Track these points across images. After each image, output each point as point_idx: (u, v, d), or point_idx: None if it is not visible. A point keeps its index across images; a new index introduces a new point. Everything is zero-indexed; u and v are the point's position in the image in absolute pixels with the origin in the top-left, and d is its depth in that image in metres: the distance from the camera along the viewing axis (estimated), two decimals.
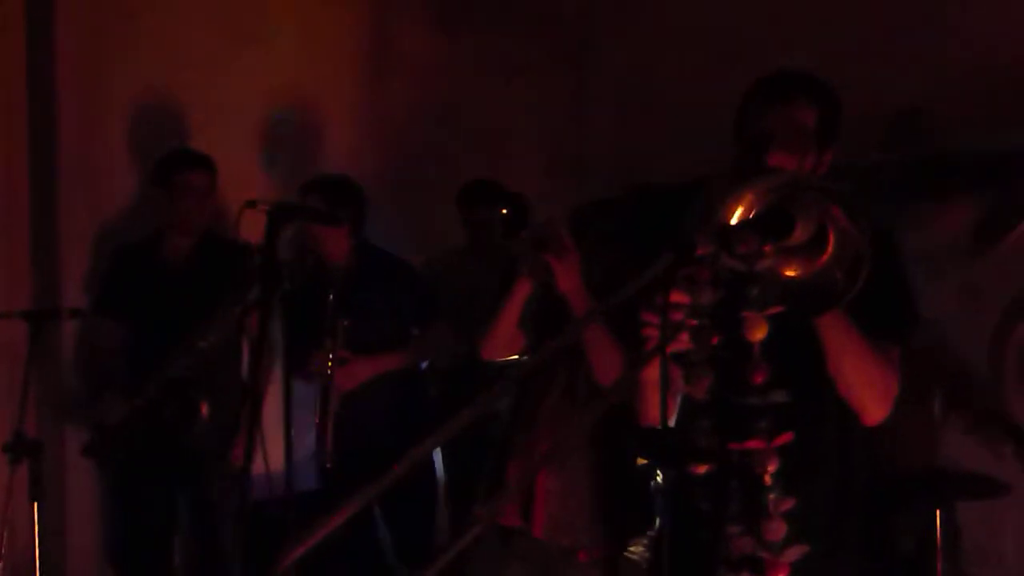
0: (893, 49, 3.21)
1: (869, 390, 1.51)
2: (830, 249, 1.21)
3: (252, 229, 2.18)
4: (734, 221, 1.20)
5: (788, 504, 1.23)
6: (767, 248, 1.18)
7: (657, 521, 2.01)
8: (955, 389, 2.86)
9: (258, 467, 2.18)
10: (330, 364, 2.77)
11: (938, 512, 2.59)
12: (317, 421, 2.82)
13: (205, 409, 2.75)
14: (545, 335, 2.20)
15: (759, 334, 1.19)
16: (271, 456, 2.18)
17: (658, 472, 1.73)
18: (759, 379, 1.17)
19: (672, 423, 1.77)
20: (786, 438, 1.22)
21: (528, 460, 2.12)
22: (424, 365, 3.17)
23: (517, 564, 2.21)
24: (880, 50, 3.23)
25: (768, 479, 1.23)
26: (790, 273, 1.23)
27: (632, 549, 2.91)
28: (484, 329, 2.31)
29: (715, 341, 1.20)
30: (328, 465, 2.82)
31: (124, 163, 3.15)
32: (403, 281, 2.98)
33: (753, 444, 1.22)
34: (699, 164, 1.70)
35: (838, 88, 1.74)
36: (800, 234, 1.23)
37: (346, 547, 2.68)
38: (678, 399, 1.68)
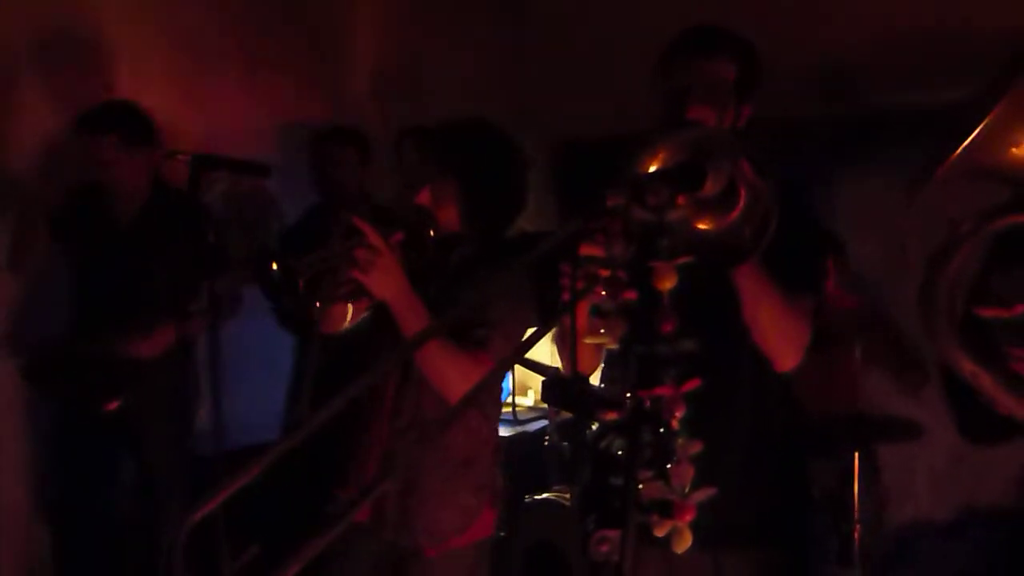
0: (825, 5, 3.24)
1: (782, 338, 1.57)
2: (740, 205, 1.23)
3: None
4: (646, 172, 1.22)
5: (696, 448, 1.27)
6: (680, 200, 1.20)
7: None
8: (878, 337, 2.97)
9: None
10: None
11: (857, 455, 2.70)
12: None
13: (119, 400, 2.65)
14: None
15: (668, 284, 1.21)
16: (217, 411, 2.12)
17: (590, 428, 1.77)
18: (668, 328, 1.19)
19: (600, 374, 1.81)
20: (694, 384, 1.25)
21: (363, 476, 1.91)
22: None
23: (368, 562, 1.97)
24: (812, 6, 3.26)
25: (676, 424, 1.27)
26: (702, 226, 1.25)
27: (564, 495, 2.99)
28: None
29: (631, 296, 1.21)
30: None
31: (36, 102, 2.89)
32: None
33: (662, 391, 1.25)
34: (635, 119, 1.71)
35: (765, 43, 1.77)
36: (712, 187, 1.25)
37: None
38: (603, 350, 1.71)
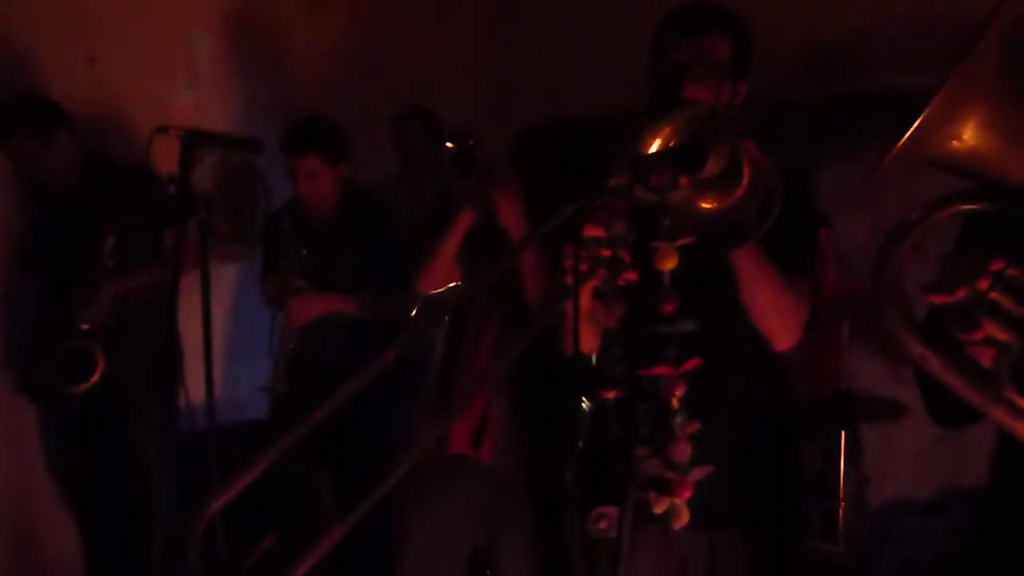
0: None
1: (780, 318, 1.56)
2: (744, 182, 1.22)
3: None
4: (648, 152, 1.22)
5: (694, 427, 1.28)
6: (683, 181, 1.20)
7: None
8: (862, 317, 2.99)
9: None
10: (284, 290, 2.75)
11: (843, 433, 2.74)
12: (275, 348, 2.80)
13: (101, 364, 2.60)
14: (479, 266, 2.24)
15: (669, 264, 1.21)
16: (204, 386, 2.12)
17: (584, 400, 1.78)
18: (668, 308, 1.19)
19: (595, 354, 1.82)
20: (694, 363, 1.25)
21: (472, 391, 2.17)
22: None
23: (467, 488, 2.26)
24: None
25: (675, 403, 1.27)
26: (706, 206, 1.25)
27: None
28: (423, 262, 2.32)
29: (632, 276, 1.21)
30: (280, 389, 2.77)
31: None
32: (383, 232, 2.94)
33: (661, 370, 1.26)
34: (625, 95, 1.70)
35: (757, 23, 1.75)
36: (712, 167, 1.25)
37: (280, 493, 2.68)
38: (600, 331, 1.72)
